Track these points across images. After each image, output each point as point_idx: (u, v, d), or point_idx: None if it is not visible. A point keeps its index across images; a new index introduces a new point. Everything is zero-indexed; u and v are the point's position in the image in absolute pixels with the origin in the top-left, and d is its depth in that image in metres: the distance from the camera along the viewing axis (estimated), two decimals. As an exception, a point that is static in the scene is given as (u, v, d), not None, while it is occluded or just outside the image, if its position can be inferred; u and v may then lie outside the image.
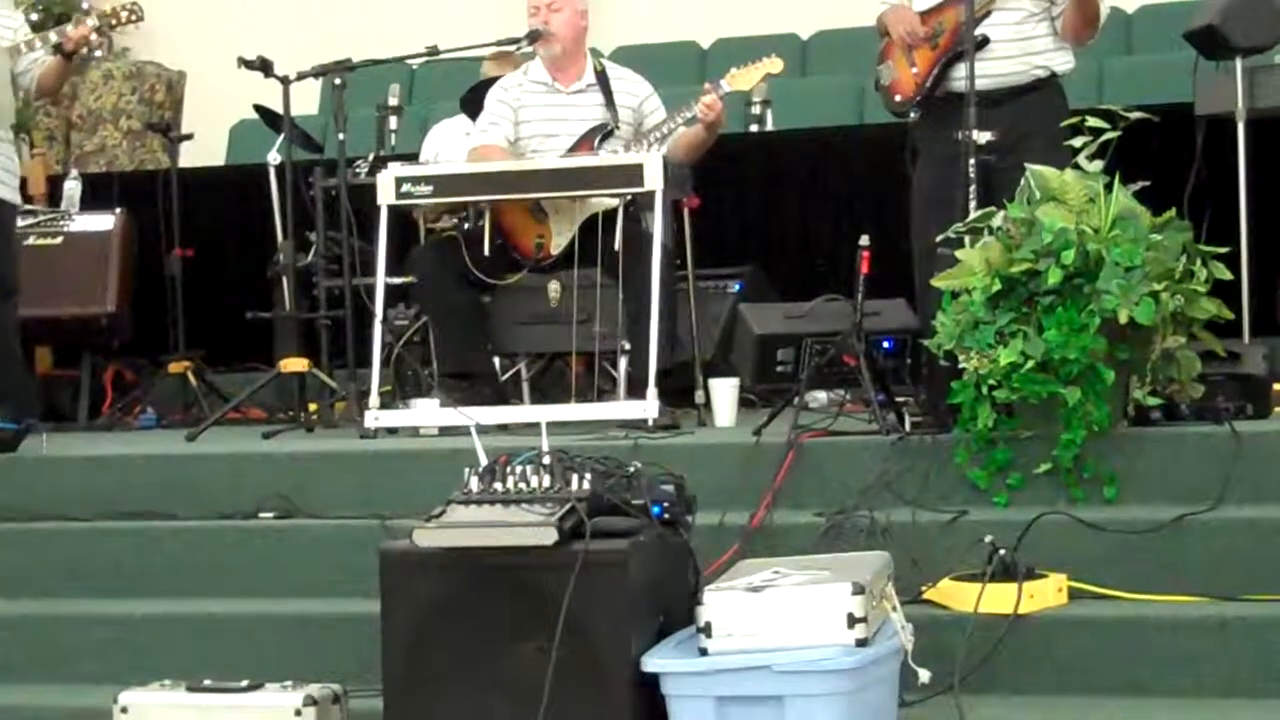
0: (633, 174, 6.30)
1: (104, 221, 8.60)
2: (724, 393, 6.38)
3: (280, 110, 7.36)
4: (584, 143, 6.94)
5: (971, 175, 5.79)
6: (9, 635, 5.42)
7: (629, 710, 4.27)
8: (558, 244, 6.77)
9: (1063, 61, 6.26)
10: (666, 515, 4.53)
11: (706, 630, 4.28)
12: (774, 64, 7.06)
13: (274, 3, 11.85)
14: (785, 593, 4.31)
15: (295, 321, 7.46)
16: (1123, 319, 4.97)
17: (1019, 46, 6.17)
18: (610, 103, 7.04)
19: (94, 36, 7.18)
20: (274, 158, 7.97)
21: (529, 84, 7.12)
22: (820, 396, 6.52)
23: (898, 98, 6.40)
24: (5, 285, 7.03)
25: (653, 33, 10.94)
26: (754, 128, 9.56)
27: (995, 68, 6.10)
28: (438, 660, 4.39)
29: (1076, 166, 5.27)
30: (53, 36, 7.14)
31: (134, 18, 7.35)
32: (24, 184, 9.12)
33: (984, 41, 6.07)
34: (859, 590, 4.24)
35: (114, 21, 7.34)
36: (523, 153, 7.00)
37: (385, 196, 6.45)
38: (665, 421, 6.14)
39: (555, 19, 7.02)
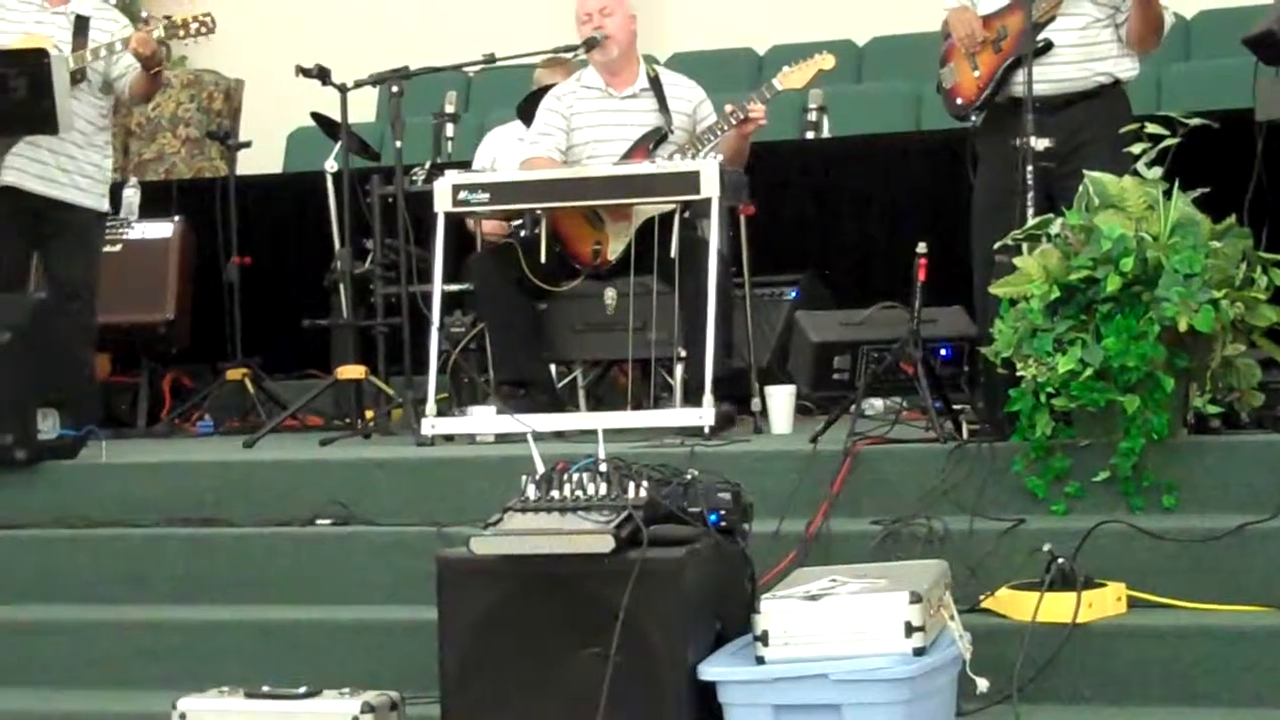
0: (689, 181, 6.28)
1: (163, 229, 8.64)
2: (780, 400, 6.36)
3: (338, 118, 7.39)
4: (638, 148, 6.95)
5: (1030, 182, 5.76)
6: (68, 641, 5.45)
7: (686, 719, 4.26)
8: (615, 250, 6.78)
9: (1127, 68, 6.20)
10: (723, 523, 4.53)
11: (764, 638, 4.28)
12: (826, 60, 7.05)
13: (331, 11, 11.89)
14: (843, 601, 4.30)
15: (352, 329, 7.46)
16: (1182, 326, 4.94)
17: (1082, 52, 6.12)
18: (664, 107, 7.05)
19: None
20: (331, 165, 7.98)
21: (582, 90, 7.14)
22: (877, 404, 6.49)
23: (959, 100, 6.36)
24: (62, 289, 6.96)
25: (708, 39, 10.92)
26: (810, 134, 9.54)
27: (1058, 73, 6.06)
28: (494, 667, 4.40)
29: (1135, 173, 5.24)
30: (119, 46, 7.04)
31: (205, 30, 7.30)
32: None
33: (1047, 47, 6.03)
34: (916, 599, 4.23)
35: (183, 33, 7.29)
36: (577, 160, 7.00)
37: (442, 204, 6.47)
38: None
39: (609, 23, 7.04)
